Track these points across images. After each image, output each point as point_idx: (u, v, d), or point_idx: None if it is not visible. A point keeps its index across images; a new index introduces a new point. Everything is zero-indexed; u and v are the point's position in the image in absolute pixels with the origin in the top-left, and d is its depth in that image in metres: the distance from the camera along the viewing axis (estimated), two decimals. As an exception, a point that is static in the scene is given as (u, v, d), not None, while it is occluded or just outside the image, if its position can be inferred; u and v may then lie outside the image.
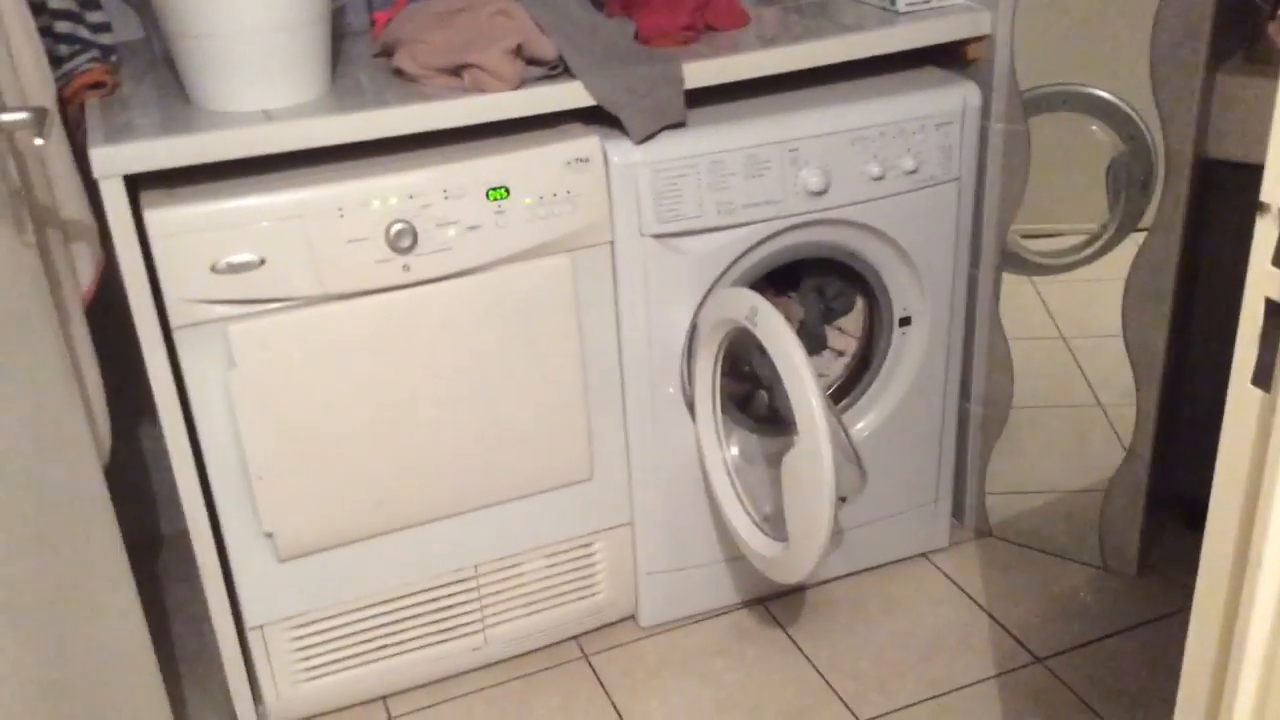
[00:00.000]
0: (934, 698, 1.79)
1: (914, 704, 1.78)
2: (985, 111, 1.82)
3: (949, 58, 1.86)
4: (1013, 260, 1.93)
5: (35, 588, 1.20)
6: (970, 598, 1.99)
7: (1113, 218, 1.84)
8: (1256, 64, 1.72)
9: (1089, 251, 1.89)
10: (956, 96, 1.77)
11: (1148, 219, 1.79)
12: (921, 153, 1.75)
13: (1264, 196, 0.78)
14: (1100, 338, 1.91)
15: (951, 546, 2.11)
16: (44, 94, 1.48)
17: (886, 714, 1.77)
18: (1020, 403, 2.01)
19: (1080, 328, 1.93)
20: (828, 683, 1.83)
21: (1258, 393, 0.80)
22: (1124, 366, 1.89)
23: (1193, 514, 2.11)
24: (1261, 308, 0.78)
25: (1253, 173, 1.72)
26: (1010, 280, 1.94)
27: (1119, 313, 1.86)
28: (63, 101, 1.59)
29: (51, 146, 1.48)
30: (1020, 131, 1.82)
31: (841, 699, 1.80)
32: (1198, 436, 1.95)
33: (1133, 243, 1.82)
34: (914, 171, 1.76)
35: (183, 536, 1.69)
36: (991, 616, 1.95)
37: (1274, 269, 0.77)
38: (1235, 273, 0.81)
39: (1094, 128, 1.80)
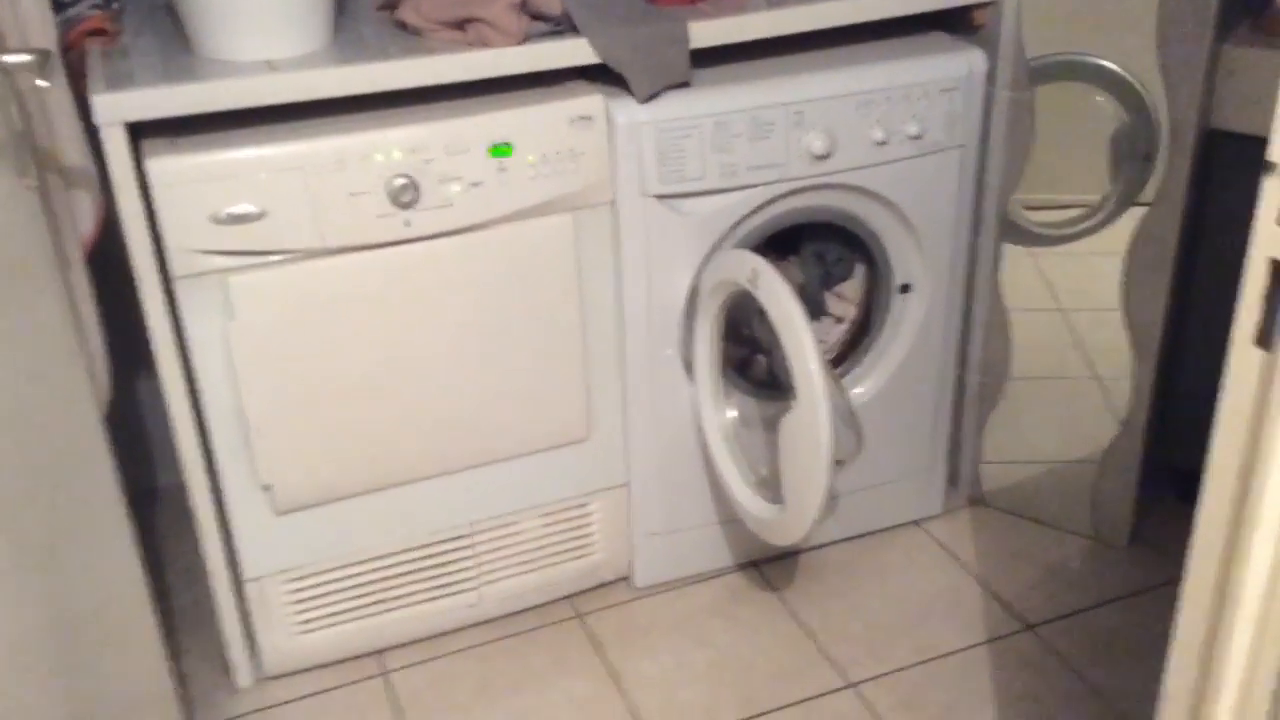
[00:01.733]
0: (924, 662, 1.81)
1: (904, 668, 1.80)
2: (991, 78, 1.82)
3: (956, 24, 1.85)
4: (1013, 230, 1.93)
5: (35, 535, 1.21)
6: (962, 565, 2.01)
7: (1114, 189, 1.84)
8: (1262, 35, 1.71)
9: (1090, 223, 1.89)
10: (962, 62, 1.76)
11: (1149, 192, 1.79)
12: (926, 118, 1.75)
13: (1270, 156, 0.78)
14: (1098, 310, 1.91)
15: (945, 514, 2.12)
16: (46, 38, 1.47)
17: (876, 677, 1.78)
18: (1017, 373, 2.02)
19: (1079, 300, 1.94)
20: (819, 645, 1.84)
21: (1259, 353, 0.80)
22: (1121, 339, 1.89)
23: (1185, 487, 2.12)
24: (1265, 268, 0.79)
25: (1257, 145, 1.72)
26: (1010, 251, 1.94)
27: (1118, 285, 1.87)
28: (65, 48, 1.58)
29: (53, 92, 1.47)
30: (1025, 99, 1.82)
31: (832, 661, 1.81)
32: (1193, 410, 1.96)
33: (1133, 216, 1.82)
34: (918, 137, 1.75)
35: (178, 489, 1.70)
36: (983, 584, 1.96)
37: (1279, 228, 0.78)
38: (1235, 247, 0.81)
39: (1098, 98, 1.80)
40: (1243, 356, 0.82)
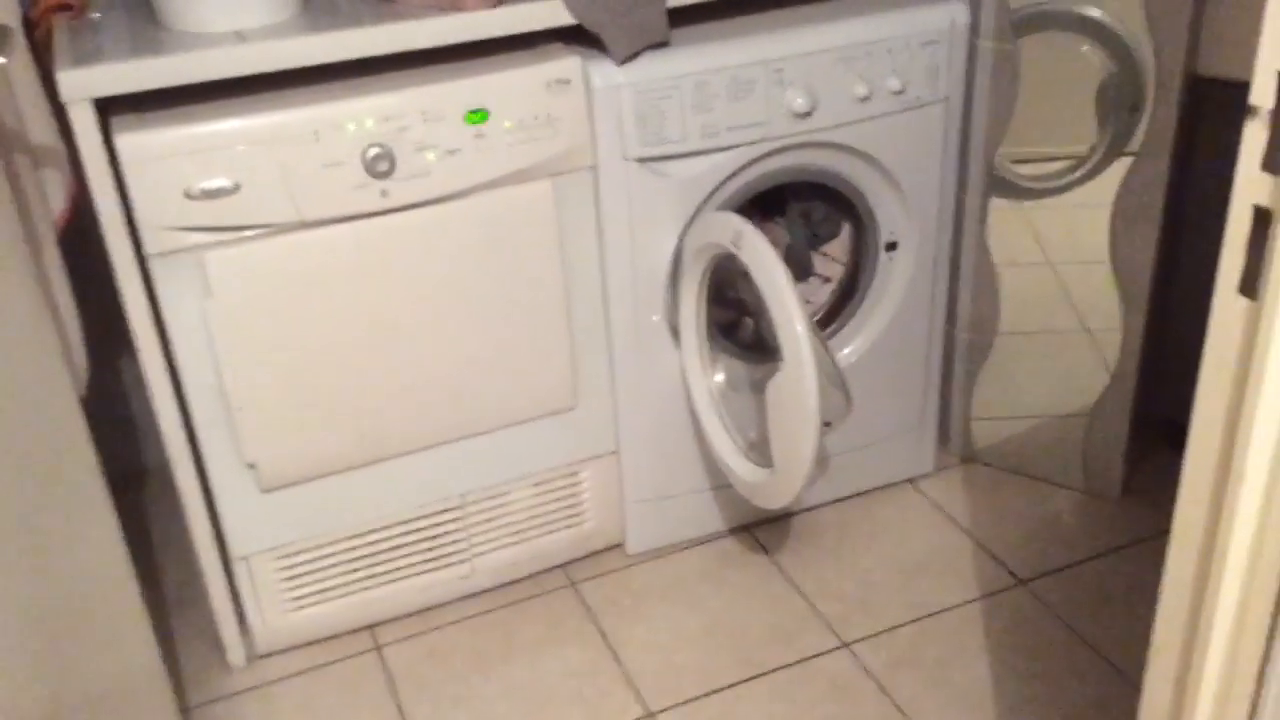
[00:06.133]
0: (917, 620, 1.81)
1: (898, 626, 1.80)
2: (974, 30, 1.79)
3: (937, -24, 1.82)
4: (1000, 185, 1.91)
5: (15, 521, 1.20)
6: (954, 522, 2.00)
7: (1101, 140, 1.82)
8: (1249, -20, 1.69)
9: (1077, 175, 1.87)
10: (944, 14, 1.74)
11: (1136, 142, 1.77)
12: (908, 72, 1.73)
13: (1253, 99, 0.76)
14: (1087, 263, 1.90)
15: (936, 472, 2.11)
16: (8, 14, 1.44)
17: (870, 636, 1.78)
18: (1006, 328, 2.00)
19: (1067, 253, 1.92)
20: (813, 606, 1.84)
21: (1244, 301, 0.79)
22: (1110, 292, 1.88)
23: (1177, 437, 2.11)
24: (1249, 214, 0.77)
25: (1242, 91, 1.70)
26: (997, 205, 1.93)
27: (1106, 238, 1.85)
28: (30, 24, 1.55)
29: (18, 69, 1.45)
30: (1009, 51, 1.80)
31: (826, 622, 1.81)
32: (1183, 360, 1.95)
33: (1121, 167, 1.80)
34: (900, 92, 1.73)
35: (166, 470, 1.69)
36: (975, 540, 1.96)
37: (1262, 174, 0.76)
38: (1223, 196, 0.80)
39: (1084, 48, 1.77)
40: (1227, 304, 0.80)
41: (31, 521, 1.24)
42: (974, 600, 1.84)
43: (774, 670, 1.74)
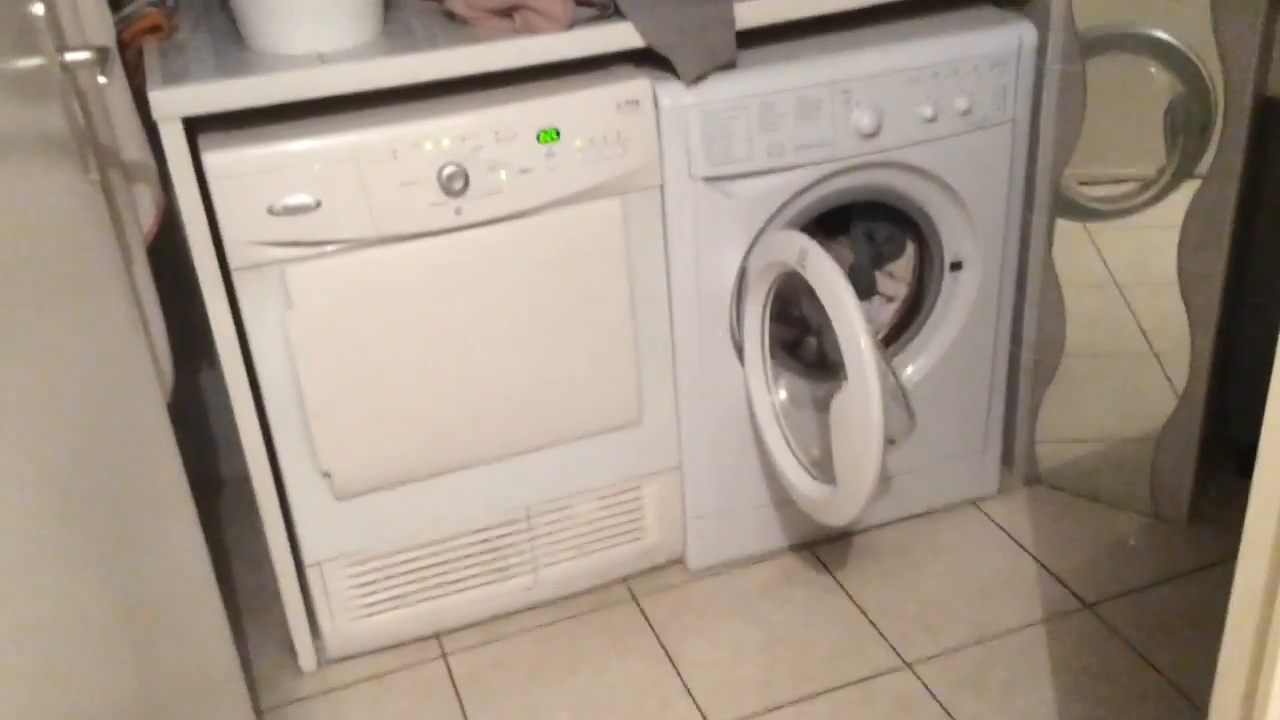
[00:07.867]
0: (981, 641, 1.80)
1: (962, 647, 1.79)
2: (1041, 52, 1.80)
3: (1004, -3, 1.83)
4: (1067, 206, 1.91)
5: (104, 524, 1.24)
6: (1019, 544, 1.99)
7: (1170, 162, 1.81)
8: (1322, 1, 1.68)
9: (1145, 197, 1.86)
10: (1012, 36, 1.74)
11: (1205, 164, 1.76)
12: (975, 93, 1.73)
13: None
14: (1155, 284, 1.89)
15: (1000, 494, 2.10)
16: (104, 36, 1.51)
17: (933, 656, 1.78)
18: (1072, 350, 1.99)
19: (1135, 274, 1.91)
20: (874, 625, 1.84)
21: (1318, 319, 0.79)
22: (1178, 313, 1.87)
23: (1245, 462, 2.08)
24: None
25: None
26: (1064, 226, 1.92)
27: (1174, 259, 1.84)
28: (122, 46, 1.62)
29: (112, 88, 1.51)
30: (1076, 72, 1.80)
31: (888, 641, 1.81)
32: (1252, 383, 1.93)
33: (1189, 188, 1.79)
34: (967, 113, 1.74)
35: (241, 480, 1.73)
36: (1040, 563, 1.95)
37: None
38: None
39: (1152, 70, 1.77)
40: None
41: (120, 524, 1.28)
42: (1038, 623, 1.83)
43: (835, 688, 1.74)
